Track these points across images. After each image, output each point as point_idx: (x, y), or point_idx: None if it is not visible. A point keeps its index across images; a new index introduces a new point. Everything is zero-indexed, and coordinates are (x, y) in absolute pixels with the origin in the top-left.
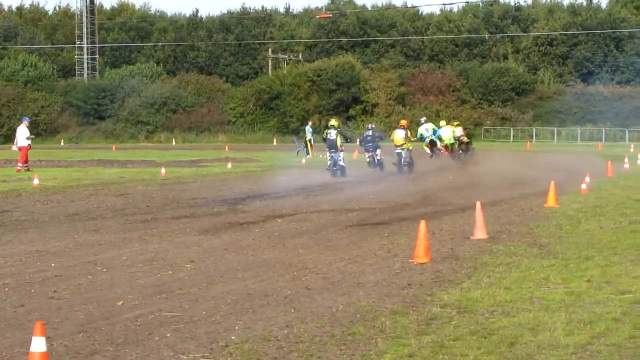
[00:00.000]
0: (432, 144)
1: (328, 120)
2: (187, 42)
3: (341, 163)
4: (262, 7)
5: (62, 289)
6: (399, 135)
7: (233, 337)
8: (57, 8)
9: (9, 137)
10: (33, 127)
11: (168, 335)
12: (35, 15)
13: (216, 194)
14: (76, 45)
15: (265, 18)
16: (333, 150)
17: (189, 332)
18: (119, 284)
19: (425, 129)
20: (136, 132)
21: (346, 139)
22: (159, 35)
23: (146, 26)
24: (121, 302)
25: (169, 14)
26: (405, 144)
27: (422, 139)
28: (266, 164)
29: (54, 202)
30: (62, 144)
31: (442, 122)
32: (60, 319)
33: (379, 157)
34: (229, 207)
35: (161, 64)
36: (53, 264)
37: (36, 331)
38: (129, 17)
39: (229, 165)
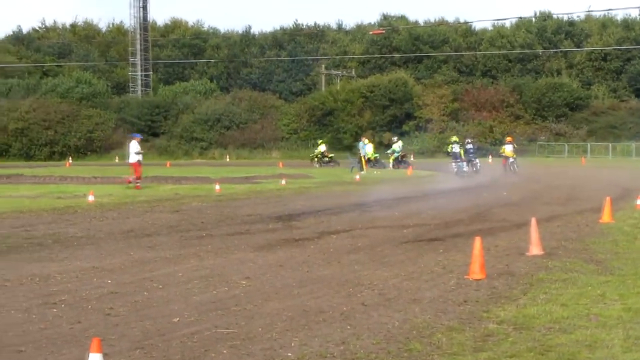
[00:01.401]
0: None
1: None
2: (240, 58)
3: (464, 169)
4: (315, 23)
5: (118, 305)
6: (509, 148)
7: (289, 354)
8: (111, 25)
9: (64, 155)
10: (88, 144)
11: (224, 352)
12: (89, 33)
13: (271, 210)
14: (129, 62)
15: (317, 34)
16: (458, 160)
17: (245, 348)
18: (175, 300)
19: (398, 145)
20: (190, 149)
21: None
22: (212, 52)
23: (199, 43)
24: (177, 319)
25: (222, 31)
26: (514, 154)
27: (393, 153)
28: (320, 180)
29: (109, 219)
30: (116, 160)
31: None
32: (116, 335)
33: (478, 166)
34: (283, 224)
35: (214, 81)
36: (109, 281)
37: (93, 347)
38: (182, 34)
39: (283, 182)
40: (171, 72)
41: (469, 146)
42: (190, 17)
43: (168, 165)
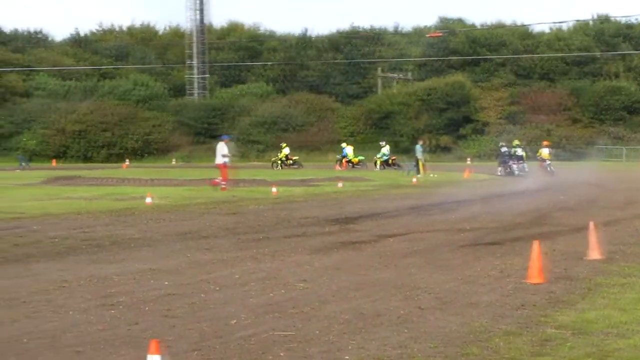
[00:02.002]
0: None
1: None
2: (297, 61)
3: (527, 170)
4: (372, 26)
5: (175, 307)
6: (546, 152)
7: (347, 357)
8: (168, 28)
9: (121, 156)
10: (145, 146)
11: (282, 354)
12: (146, 35)
13: (327, 213)
14: (187, 65)
15: (374, 37)
16: (521, 161)
17: (302, 351)
18: (232, 302)
19: (386, 149)
20: (247, 151)
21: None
22: (269, 55)
23: (256, 45)
24: (234, 321)
25: (279, 34)
26: (550, 156)
27: (382, 156)
28: (377, 183)
29: (166, 221)
30: (173, 162)
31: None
32: (174, 337)
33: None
34: (340, 227)
35: (271, 83)
36: (166, 282)
37: (151, 349)
38: (239, 36)
39: (340, 185)
40: (228, 74)
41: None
42: (247, 19)
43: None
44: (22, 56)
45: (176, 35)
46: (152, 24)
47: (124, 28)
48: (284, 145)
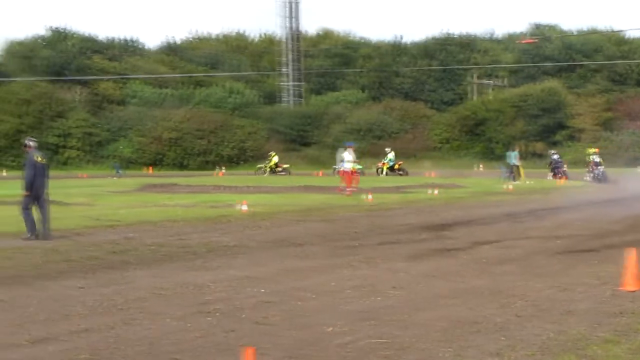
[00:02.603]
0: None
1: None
2: (391, 68)
3: (605, 176)
4: (466, 33)
5: (271, 314)
6: (598, 158)
7: None
8: (262, 35)
9: (217, 164)
10: (240, 154)
11: None
12: (240, 43)
13: (422, 220)
14: (281, 72)
15: (469, 43)
16: (601, 167)
17: (398, 359)
18: (327, 310)
19: (392, 155)
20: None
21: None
22: (363, 62)
23: (350, 52)
24: (330, 329)
25: (373, 41)
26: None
27: (389, 162)
28: (472, 190)
29: (261, 228)
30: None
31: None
32: (270, 344)
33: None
34: (435, 234)
35: (365, 90)
36: (262, 290)
37: (248, 357)
38: (332, 43)
39: (435, 192)
40: (322, 81)
41: (556, 157)
42: (340, 27)
43: (320, 174)
44: (117, 64)
45: (270, 43)
46: (245, 32)
47: (219, 36)
48: (273, 154)
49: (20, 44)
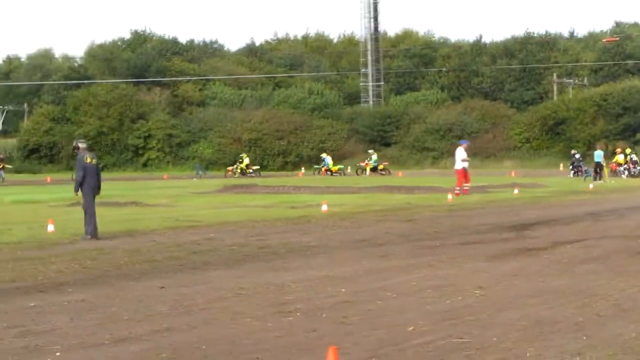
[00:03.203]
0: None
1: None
2: (470, 67)
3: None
4: (546, 32)
5: (351, 314)
6: (621, 157)
7: None
8: (342, 36)
9: (296, 164)
10: (320, 154)
11: None
12: (320, 44)
13: (503, 219)
14: (361, 73)
15: (549, 42)
16: (637, 166)
17: (479, 358)
18: (408, 309)
19: (375, 156)
20: (422, 158)
21: None
22: (443, 62)
23: (429, 52)
24: (411, 328)
25: (452, 40)
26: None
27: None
28: (553, 189)
29: (342, 228)
30: (348, 170)
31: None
32: (351, 344)
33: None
34: (516, 233)
35: (445, 90)
36: (342, 289)
37: (329, 356)
38: (412, 43)
39: (516, 191)
40: (402, 82)
41: (577, 156)
42: (420, 27)
43: (399, 174)
44: (197, 66)
45: (350, 43)
46: (326, 33)
47: (299, 37)
48: (245, 155)
49: (101, 46)
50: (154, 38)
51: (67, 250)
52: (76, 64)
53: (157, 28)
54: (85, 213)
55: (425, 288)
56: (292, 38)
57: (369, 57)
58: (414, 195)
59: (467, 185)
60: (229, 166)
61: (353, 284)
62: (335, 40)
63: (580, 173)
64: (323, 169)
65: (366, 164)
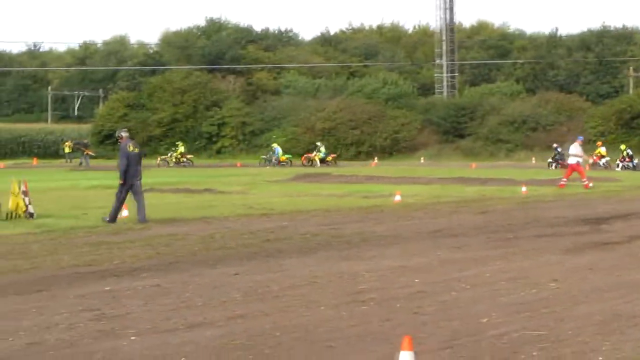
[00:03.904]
0: None
1: None
2: (546, 60)
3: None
4: (623, 25)
5: (426, 304)
6: (603, 150)
7: (600, 358)
8: (417, 27)
9: (369, 154)
10: (394, 144)
11: (534, 354)
12: (395, 34)
13: (578, 213)
14: (435, 63)
15: (626, 36)
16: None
17: (554, 351)
18: (483, 301)
19: (323, 148)
20: (495, 150)
21: None
22: (518, 54)
23: (505, 44)
24: (486, 319)
25: (528, 33)
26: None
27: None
28: (628, 183)
29: (415, 219)
30: (421, 160)
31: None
32: (425, 334)
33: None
34: (591, 227)
35: (520, 82)
36: (416, 280)
37: (404, 346)
38: (488, 35)
39: (591, 184)
40: (477, 73)
41: (559, 150)
42: (496, 19)
43: (473, 166)
44: (272, 54)
45: (425, 34)
46: (401, 23)
47: (373, 27)
48: (180, 144)
49: (177, 34)
50: (229, 26)
51: (141, 235)
52: (151, 51)
53: (232, 16)
54: (117, 197)
55: (499, 280)
56: (366, 28)
57: (444, 48)
58: (487, 187)
59: (564, 180)
60: (303, 154)
61: (427, 274)
62: (410, 31)
63: (560, 166)
64: (273, 159)
65: (315, 155)
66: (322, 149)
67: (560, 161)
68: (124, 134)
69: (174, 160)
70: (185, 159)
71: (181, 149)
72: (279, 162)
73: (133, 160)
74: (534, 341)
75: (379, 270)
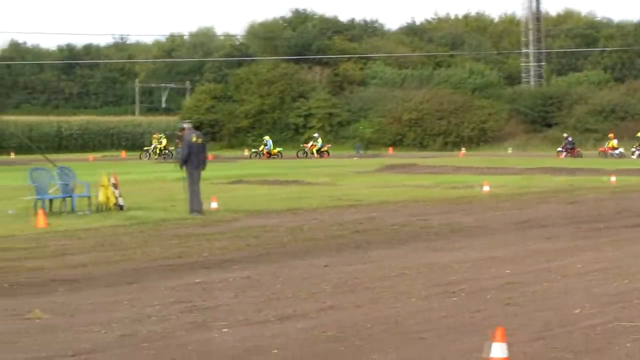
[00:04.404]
0: None
1: None
2: (634, 48)
3: None
4: None
5: (517, 295)
6: (615, 142)
7: None
8: (503, 16)
9: (456, 145)
10: (481, 134)
11: (628, 345)
12: (480, 24)
13: None
14: (522, 52)
15: None
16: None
17: None
18: (574, 292)
19: (320, 140)
20: (583, 140)
21: None
22: (606, 42)
23: (592, 33)
24: (578, 310)
25: (616, 20)
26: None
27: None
28: None
29: (503, 209)
30: (509, 151)
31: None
32: (516, 325)
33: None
34: None
35: (608, 71)
36: (507, 271)
37: (497, 337)
38: (574, 23)
39: None
40: (564, 62)
41: (569, 139)
42: (582, 7)
43: (561, 156)
44: (357, 45)
45: (511, 23)
46: (487, 13)
47: (459, 16)
48: (163, 136)
49: (262, 25)
50: (315, 17)
51: (231, 227)
52: (237, 42)
53: (318, 7)
54: (191, 191)
55: (590, 271)
56: (452, 17)
57: (530, 37)
58: (576, 177)
59: None
60: (389, 146)
61: (517, 265)
62: (496, 20)
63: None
64: (265, 152)
65: (312, 146)
66: (319, 140)
67: (570, 149)
68: (186, 125)
69: (158, 152)
70: (167, 151)
71: (163, 141)
72: (270, 155)
73: (195, 150)
74: (628, 332)
75: (468, 261)
